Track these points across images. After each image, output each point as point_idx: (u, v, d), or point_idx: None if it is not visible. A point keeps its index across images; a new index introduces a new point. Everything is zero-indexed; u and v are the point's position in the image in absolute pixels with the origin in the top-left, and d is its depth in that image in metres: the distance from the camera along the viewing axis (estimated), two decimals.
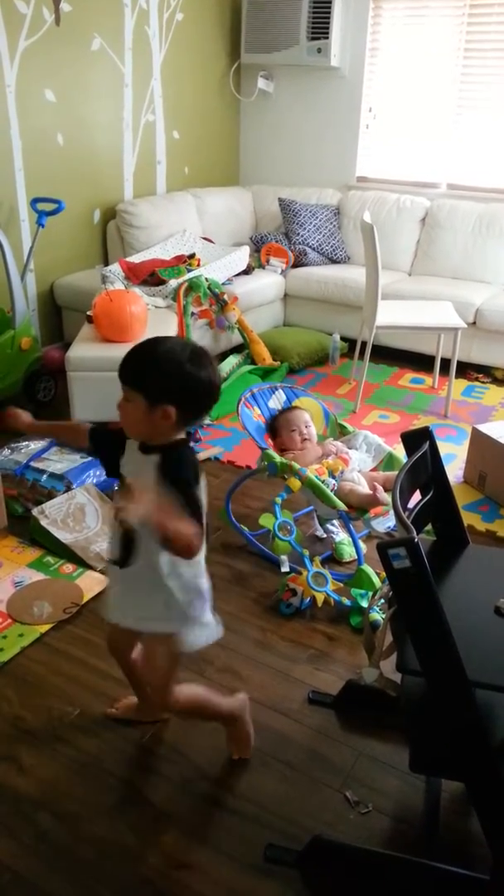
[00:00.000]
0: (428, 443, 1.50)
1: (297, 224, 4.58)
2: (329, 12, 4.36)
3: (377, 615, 1.97)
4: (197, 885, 1.45)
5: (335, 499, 2.23)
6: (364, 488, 2.29)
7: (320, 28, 4.41)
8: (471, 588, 1.49)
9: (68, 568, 2.36)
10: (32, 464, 2.75)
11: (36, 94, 3.67)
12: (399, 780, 1.68)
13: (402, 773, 1.69)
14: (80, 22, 3.78)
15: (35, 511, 2.50)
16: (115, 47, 4.03)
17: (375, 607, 1.47)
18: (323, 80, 4.69)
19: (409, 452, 1.50)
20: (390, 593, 1.41)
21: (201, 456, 3.16)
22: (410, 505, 1.46)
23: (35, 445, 2.86)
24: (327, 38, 4.41)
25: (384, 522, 2.31)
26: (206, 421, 3.46)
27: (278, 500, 2.33)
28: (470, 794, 1.29)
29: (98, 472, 2.77)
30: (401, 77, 4.53)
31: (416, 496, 1.51)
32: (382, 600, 1.45)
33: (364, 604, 2.18)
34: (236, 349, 4.08)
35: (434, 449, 1.53)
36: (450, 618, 1.15)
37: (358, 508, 2.26)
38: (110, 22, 3.95)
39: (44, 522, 2.47)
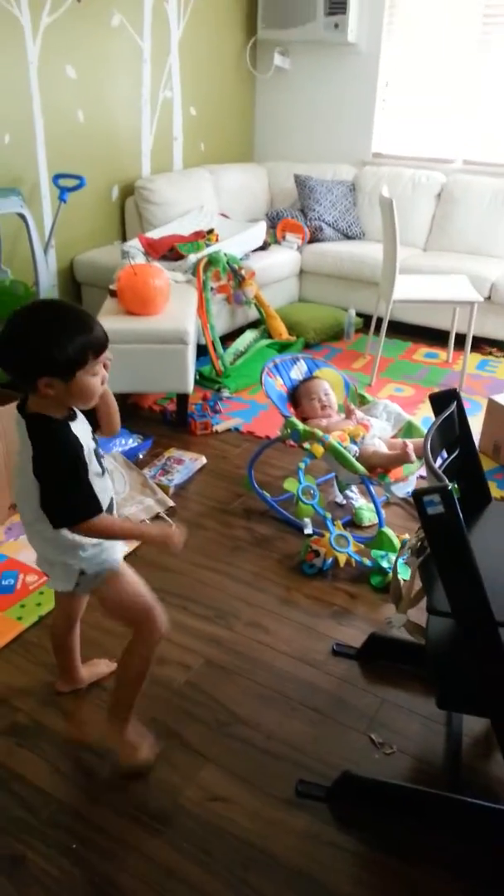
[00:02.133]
0: (455, 403, 1.57)
1: (313, 200, 4.61)
2: None
3: (403, 568, 2.05)
4: (233, 815, 1.55)
5: (357, 464, 2.31)
6: (386, 451, 2.36)
7: (338, 3, 4.42)
8: (494, 540, 1.57)
9: None
10: None
11: (57, 70, 3.71)
12: (421, 725, 1.77)
13: (424, 719, 1.78)
14: None
15: None
16: (135, 23, 4.05)
17: (402, 558, 1.55)
18: (340, 56, 4.70)
19: (437, 413, 1.57)
20: (418, 544, 1.50)
21: (220, 427, 3.24)
22: (436, 463, 1.53)
23: None
24: (345, 13, 4.41)
25: (404, 488, 2.39)
26: (226, 394, 3.54)
27: (302, 465, 2.41)
28: (495, 728, 1.38)
29: (124, 441, 2.86)
30: (418, 53, 4.54)
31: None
32: (409, 552, 1.53)
33: (384, 564, 2.27)
34: (253, 324, 4.15)
35: (461, 410, 1.60)
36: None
37: (382, 472, 2.34)
38: None
39: None
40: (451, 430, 1.57)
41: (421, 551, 1.45)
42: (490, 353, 4.15)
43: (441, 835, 1.53)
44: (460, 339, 3.72)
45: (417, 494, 1.21)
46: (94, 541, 1.48)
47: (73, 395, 1.36)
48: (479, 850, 1.50)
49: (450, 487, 1.20)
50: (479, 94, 4.43)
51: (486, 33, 4.31)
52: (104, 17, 3.87)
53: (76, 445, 1.38)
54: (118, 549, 1.56)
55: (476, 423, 3.21)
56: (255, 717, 1.78)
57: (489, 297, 3.96)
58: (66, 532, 1.43)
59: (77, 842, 1.49)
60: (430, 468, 1.32)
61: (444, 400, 1.57)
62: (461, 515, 1.20)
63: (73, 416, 1.42)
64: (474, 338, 3.86)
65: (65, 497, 1.37)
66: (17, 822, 1.53)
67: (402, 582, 1.56)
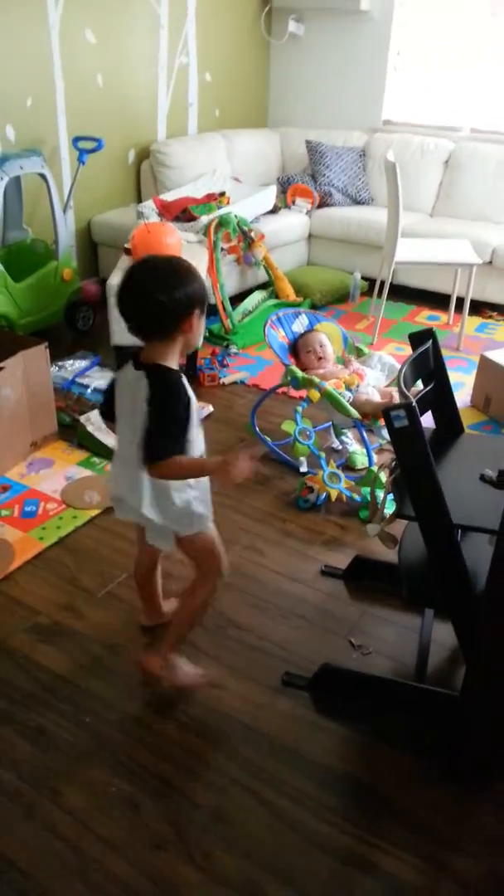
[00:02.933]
0: (431, 341, 1.76)
1: (323, 166, 4.74)
2: None
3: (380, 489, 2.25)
4: (227, 699, 1.78)
5: (350, 408, 2.50)
6: (378, 399, 2.55)
7: None
8: (461, 463, 1.76)
9: None
10: (78, 380, 3.05)
11: (77, 34, 3.85)
12: (396, 634, 1.99)
13: (399, 628, 2.00)
14: None
15: (82, 419, 2.81)
16: None
17: (381, 476, 1.76)
18: (353, 24, 4.79)
19: (414, 349, 1.76)
20: (392, 463, 1.70)
21: (227, 380, 3.44)
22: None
23: (79, 364, 3.16)
24: None
25: None
26: (234, 350, 3.73)
27: (299, 408, 2.61)
28: (451, 618, 1.58)
29: None
30: (429, 22, 4.62)
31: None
32: (384, 471, 1.73)
33: None
34: (262, 286, 4.31)
35: (436, 347, 1.79)
36: (442, 483, 1.42)
37: (372, 417, 2.53)
38: None
39: (90, 428, 2.77)
40: (426, 365, 1.76)
41: (394, 470, 1.65)
42: (490, 317, 4.29)
43: (406, 720, 1.75)
44: (462, 304, 3.87)
45: (386, 410, 1.41)
46: (186, 497, 1.56)
47: (197, 333, 1.49)
48: (438, 733, 1.72)
49: (413, 403, 1.39)
50: (489, 64, 4.52)
51: (497, 5, 4.37)
52: None
53: (189, 399, 1.47)
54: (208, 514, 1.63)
55: (470, 381, 3.40)
56: (249, 622, 2.01)
57: (490, 262, 4.10)
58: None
59: (91, 716, 1.73)
60: (401, 392, 1.51)
61: (422, 338, 1.75)
62: (423, 428, 1.40)
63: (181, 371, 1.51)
64: (476, 302, 4.02)
65: (165, 437, 1.42)
66: (39, 701, 1.77)
67: (377, 500, 1.77)
